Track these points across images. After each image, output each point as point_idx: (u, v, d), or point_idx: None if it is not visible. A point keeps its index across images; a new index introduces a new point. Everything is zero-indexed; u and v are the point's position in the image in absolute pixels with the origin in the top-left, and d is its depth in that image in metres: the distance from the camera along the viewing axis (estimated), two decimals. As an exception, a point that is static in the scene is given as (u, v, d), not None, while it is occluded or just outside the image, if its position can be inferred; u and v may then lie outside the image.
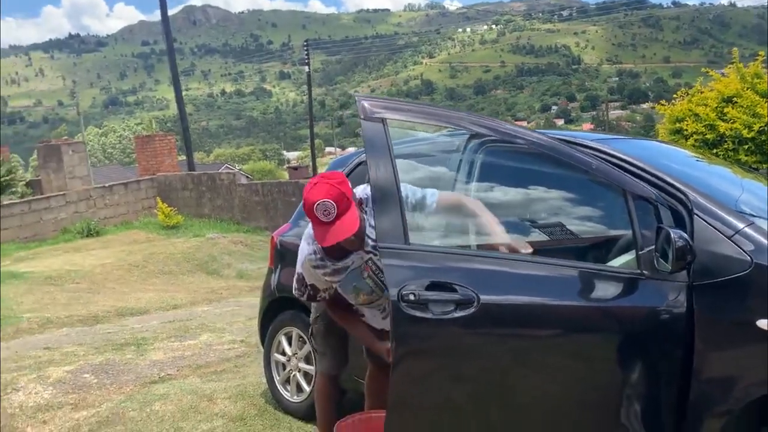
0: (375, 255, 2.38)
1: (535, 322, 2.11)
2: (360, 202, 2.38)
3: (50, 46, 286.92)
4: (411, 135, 2.75)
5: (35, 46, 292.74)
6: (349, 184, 2.29)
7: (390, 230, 2.05)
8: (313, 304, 2.79)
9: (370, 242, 2.38)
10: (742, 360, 2.03)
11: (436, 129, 2.57)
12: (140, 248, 12.22)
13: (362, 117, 2.15)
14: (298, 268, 2.53)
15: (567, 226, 2.43)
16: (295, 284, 2.57)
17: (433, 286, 2.02)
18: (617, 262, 2.22)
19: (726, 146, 6.62)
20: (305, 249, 2.48)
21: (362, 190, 2.45)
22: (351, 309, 2.59)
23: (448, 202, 2.44)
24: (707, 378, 2.06)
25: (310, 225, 2.36)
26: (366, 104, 2.18)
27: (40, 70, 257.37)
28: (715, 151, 6.38)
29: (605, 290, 2.15)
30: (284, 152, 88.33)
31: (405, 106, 2.30)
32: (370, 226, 2.36)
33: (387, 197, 2.08)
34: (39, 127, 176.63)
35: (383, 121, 2.15)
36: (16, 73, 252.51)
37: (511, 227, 2.41)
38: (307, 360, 3.53)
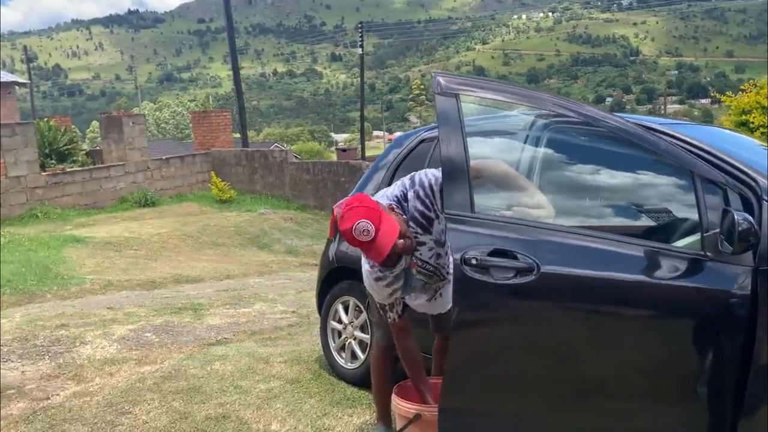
0: (416, 250, 2.48)
1: (593, 295, 2.16)
2: (391, 208, 2.46)
3: (110, 21, 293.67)
4: (484, 112, 2.80)
5: (95, 21, 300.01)
6: (370, 197, 2.40)
7: (458, 199, 2.13)
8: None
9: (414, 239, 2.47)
10: (804, 346, 2.04)
11: (510, 106, 2.62)
12: (194, 220, 12.58)
13: (437, 92, 2.22)
14: (369, 290, 2.65)
15: (635, 208, 2.47)
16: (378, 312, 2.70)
17: (495, 253, 2.09)
18: (682, 243, 2.24)
19: (793, 141, 6.45)
20: (365, 267, 2.59)
21: (389, 193, 2.53)
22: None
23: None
24: (766, 362, 2.08)
25: None
26: (441, 80, 2.25)
27: (99, 44, 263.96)
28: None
29: (667, 269, 2.17)
30: (332, 134, 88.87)
31: (479, 82, 2.36)
32: (408, 224, 2.46)
33: (457, 169, 2.16)
34: (96, 99, 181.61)
35: (457, 96, 2.22)
36: (77, 47, 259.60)
37: (586, 207, 2.47)
38: (362, 329, 3.64)
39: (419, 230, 2.47)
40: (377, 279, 2.54)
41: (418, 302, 2.71)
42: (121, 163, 14.53)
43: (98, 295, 6.82)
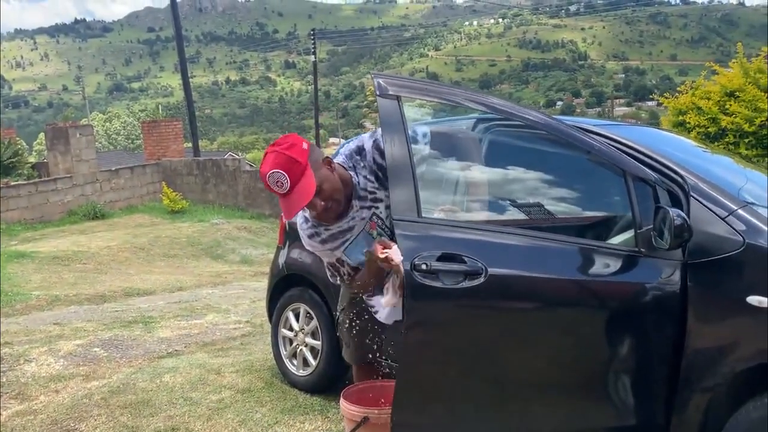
0: (376, 208, 2.30)
1: (538, 296, 2.21)
2: (350, 157, 2.31)
3: (56, 31, 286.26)
4: (427, 117, 2.83)
5: (41, 30, 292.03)
6: (305, 144, 2.15)
7: (404, 203, 2.13)
8: (341, 295, 2.70)
9: (369, 196, 2.29)
10: (732, 335, 2.13)
11: (451, 109, 2.65)
12: (145, 231, 12.34)
13: (378, 94, 2.21)
14: (307, 248, 2.45)
15: (569, 205, 2.53)
16: (328, 275, 2.52)
17: (443, 257, 2.11)
18: (616, 240, 2.32)
19: (727, 139, 6.71)
20: (299, 220, 2.40)
21: (350, 146, 2.37)
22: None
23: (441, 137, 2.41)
24: (697, 352, 2.16)
25: None
26: (382, 82, 2.25)
27: (45, 54, 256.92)
28: (716, 144, 6.47)
29: (604, 266, 2.25)
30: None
31: (419, 84, 2.37)
32: (365, 179, 2.29)
33: (401, 172, 2.15)
34: (43, 111, 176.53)
35: (398, 98, 2.22)
36: (21, 57, 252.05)
37: (516, 206, 2.51)
38: (314, 335, 3.64)
39: (377, 185, 2.29)
40: (310, 236, 2.36)
41: (383, 314, 2.53)
42: (68, 175, 14.17)
43: (45, 311, 6.63)
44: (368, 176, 2.30)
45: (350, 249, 2.36)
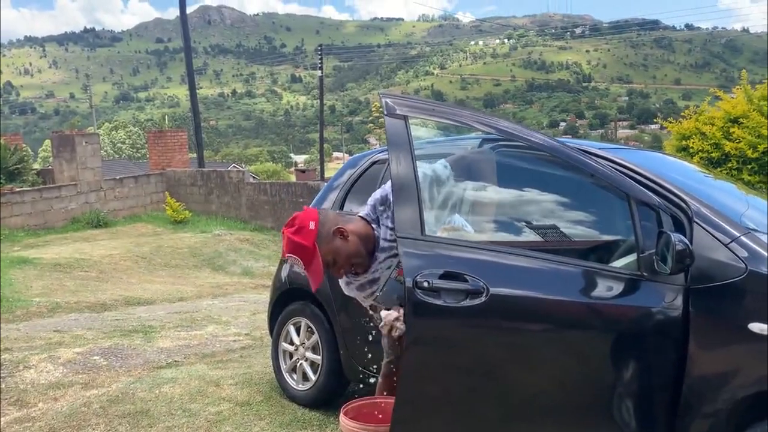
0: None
1: (539, 316, 2.21)
2: (374, 207, 2.41)
3: (65, 39, 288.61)
4: (433, 137, 2.85)
5: (50, 38, 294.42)
6: (312, 224, 2.26)
7: (408, 221, 2.14)
8: (385, 346, 2.78)
9: (393, 246, 2.35)
10: (733, 361, 2.13)
11: (457, 129, 2.67)
12: (148, 241, 12.37)
13: (385, 113, 2.24)
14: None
15: (572, 228, 2.54)
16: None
17: (446, 276, 2.12)
18: (619, 264, 2.33)
19: (730, 165, 6.72)
20: None
21: (376, 196, 2.45)
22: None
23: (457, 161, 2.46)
24: (699, 378, 2.16)
25: None
26: (389, 101, 2.27)
27: (53, 61, 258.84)
28: (719, 169, 6.49)
29: (606, 289, 2.25)
30: (292, 155, 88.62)
31: (427, 105, 2.39)
32: (388, 228, 2.36)
33: (406, 190, 2.17)
34: (50, 118, 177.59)
35: (405, 118, 2.25)
36: (30, 64, 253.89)
37: (520, 227, 2.52)
38: (314, 350, 3.64)
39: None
40: (347, 284, 2.48)
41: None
42: (73, 183, 14.22)
43: (45, 317, 6.63)
44: (392, 224, 2.33)
45: (382, 297, 2.45)
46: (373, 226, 2.40)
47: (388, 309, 2.54)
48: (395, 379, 2.66)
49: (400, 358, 2.59)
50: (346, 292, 2.54)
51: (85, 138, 14.86)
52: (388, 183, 2.43)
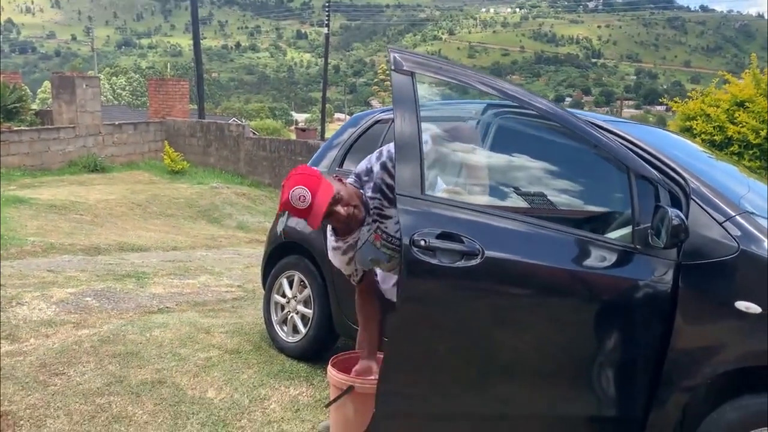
0: (381, 222, 2.44)
1: (532, 281, 2.23)
2: (358, 176, 2.46)
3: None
4: (437, 97, 2.84)
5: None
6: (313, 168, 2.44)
7: (409, 179, 2.14)
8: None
9: (374, 211, 2.45)
10: (717, 337, 2.18)
11: (463, 91, 2.66)
12: (144, 189, 12.34)
13: (393, 68, 2.20)
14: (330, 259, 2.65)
15: (570, 197, 2.56)
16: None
17: (442, 236, 2.13)
18: (614, 235, 2.34)
19: (732, 149, 6.72)
20: (328, 233, 2.58)
21: (361, 167, 2.51)
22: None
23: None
24: (682, 352, 2.21)
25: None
26: (398, 56, 2.24)
27: (56, 1, 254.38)
28: (720, 153, 6.49)
29: (599, 259, 2.27)
30: (293, 113, 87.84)
31: (435, 63, 2.36)
32: (370, 198, 2.43)
33: (409, 148, 2.16)
34: (50, 59, 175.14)
35: (412, 74, 2.22)
36: (32, 2, 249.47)
37: (519, 193, 2.53)
38: (306, 303, 3.68)
39: (385, 202, 2.43)
40: (333, 248, 2.54)
41: (387, 287, 2.69)
42: (71, 125, 14.10)
43: (39, 257, 6.65)
44: (373, 194, 2.44)
45: (358, 257, 2.52)
46: (360, 191, 2.46)
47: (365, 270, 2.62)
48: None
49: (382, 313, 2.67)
50: (330, 256, 2.60)
51: (85, 80, 14.69)
52: (374, 154, 2.51)
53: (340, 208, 2.31)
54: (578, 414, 2.34)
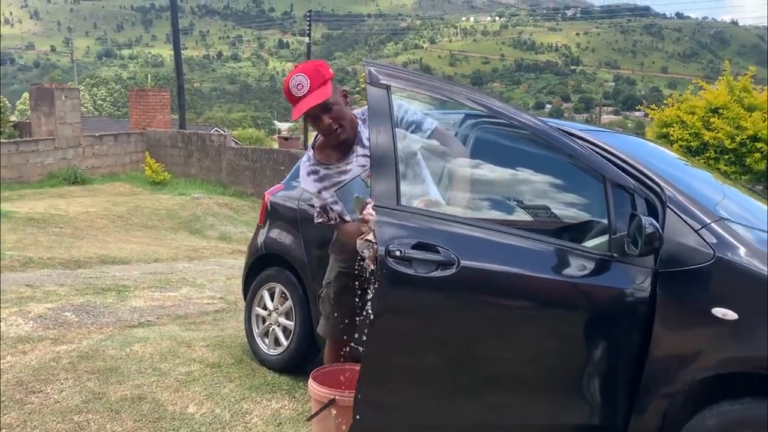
0: None
1: (508, 290, 2.24)
2: (364, 111, 2.43)
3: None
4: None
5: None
6: (331, 70, 2.35)
7: (385, 192, 2.14)
8: (328, 269, 2.75)
9: (368, 152, 2.36)
10: (694, 344, 2.19)
11: (439, 102, 2.67)
12: (125, 200, 12.25)
13: (368, 82, 2.21)
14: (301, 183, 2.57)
15: (550, 209, 2.57)
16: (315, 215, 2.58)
17: (418, 246, 2.13)
18: (591, 244, 2.36)
19: (708, 155, 6.82)
20: (303, 158, 2.54)
21: (359, 111, 2.52)
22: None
23: (442, 137, 2.48)
24: (660, 359, 2.22)
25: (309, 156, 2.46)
26: (373, 70, 2.25)
27: (35, 12, 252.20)
28: (696, 158, 6.58)
29: (576, 268, 2.28)
30: (276, 122, 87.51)
31: (410, 76, 2.37)
32: (367, 139, 2.40)
33: (384, 161, 2.16)
34: (29, 71, 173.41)
35: (388, 88, 2.23)
36: (11, 14, 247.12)
37: (496, 203, 2.54)
38: (287, 316, 3.66)
39: None
40: (308, 173, 2.49)
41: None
42: (51, 137, 13.98)
43: (17, 272, 6.57)
44: (368, 136, 2.36)
45: (342, 194, 2.45)
46: (359, 121, 2.46)
47: (341, 214, 2.49)
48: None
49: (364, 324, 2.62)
50: (303, 183, 2.51)
51: (64, 92, 14.58)
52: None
53: (325, 117, 2.30)
54: (564, 423, 2.34)
